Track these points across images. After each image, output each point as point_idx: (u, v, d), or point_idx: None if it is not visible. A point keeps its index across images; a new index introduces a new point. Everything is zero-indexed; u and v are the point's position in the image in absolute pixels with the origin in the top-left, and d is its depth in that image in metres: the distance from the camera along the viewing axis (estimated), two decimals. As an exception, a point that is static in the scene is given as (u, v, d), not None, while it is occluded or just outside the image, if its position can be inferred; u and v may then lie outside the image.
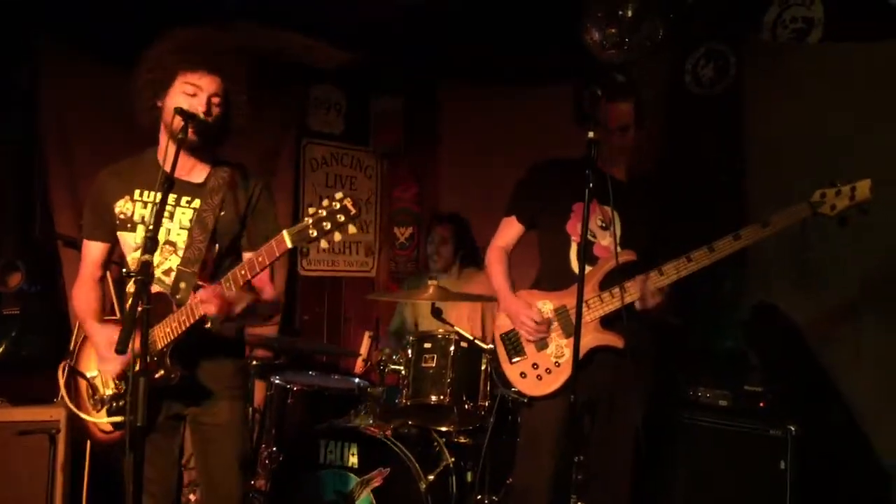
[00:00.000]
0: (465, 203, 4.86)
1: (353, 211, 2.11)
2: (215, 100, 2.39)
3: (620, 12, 3.83)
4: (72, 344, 3.65)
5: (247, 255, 2.50)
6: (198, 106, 2.34)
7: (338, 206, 2.10)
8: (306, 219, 2.12)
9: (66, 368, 2.58)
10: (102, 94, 4.06)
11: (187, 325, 2.29)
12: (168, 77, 2.36)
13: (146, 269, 1.90)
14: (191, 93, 2.35)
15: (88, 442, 3.39)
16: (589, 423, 3.07)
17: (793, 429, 3.18)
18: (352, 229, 2.12)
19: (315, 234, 2.10)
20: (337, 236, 2.12)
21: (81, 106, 4.05)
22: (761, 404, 3.36)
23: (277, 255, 2.18)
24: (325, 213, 2.10)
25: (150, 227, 1.98)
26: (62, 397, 2.63)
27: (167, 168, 2.22)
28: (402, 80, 5.43)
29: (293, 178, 5.15)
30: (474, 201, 4.83)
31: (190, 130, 2.28)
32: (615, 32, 3.90)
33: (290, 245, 2.14)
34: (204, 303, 2.22)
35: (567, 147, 3.02)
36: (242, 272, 2.25)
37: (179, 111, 2.27)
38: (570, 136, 2.99)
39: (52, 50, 3.93)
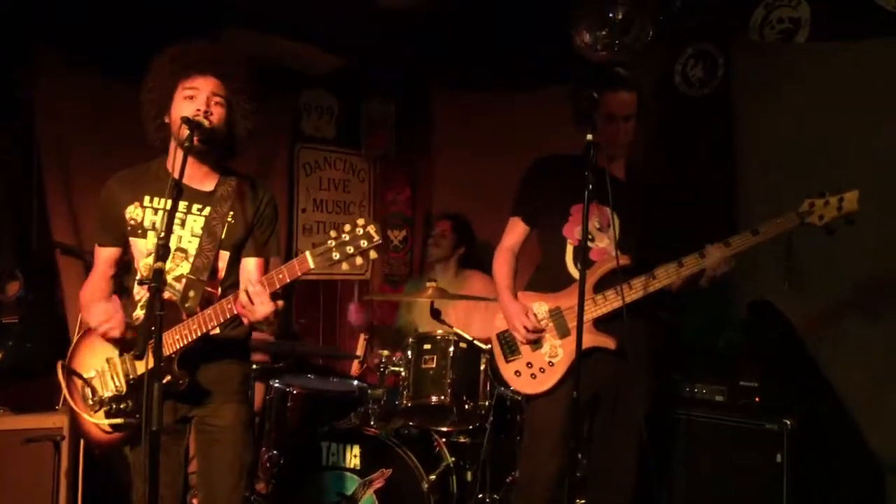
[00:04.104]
0: (457, 205, 4.85)
1: (377, 238, 2.17)
2: (216, 99, 2.40)
3: (611, 14, 3.88)
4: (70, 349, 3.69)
5: (247, 261, 2.55)
6: (198, 106, 2.35)
7: (361, 231, 2.17)
8: (330, 241, 2.17)
9: (64, 367, 2.55)
10: (98, 104, 4.10)
11: (201, 332, 2.33)
12: (169, 91, 2.40)
13: (159, 276, 1.93)
14: (190, 96, 2.38)
15: (82, 443, 3.40)
16: (589, 422, 3.11)
17: (788, 422, 3.22)
18: (373, 255, 2.20)
19: (337, 256, 2.17)
20: (359, 260, 2.19)
21: (77, 116, 4.06)
22: (756, 399, 3.39)
23: (299, 273, 2.23)
24: (348, 238, 2.17)
25: (162, 234, 2.00)
26: (64, 399, 2.63)
27: (176, 176, 2.24)
28: (392, 83, 5.45)
29: (287, 183, 5.17)
30: (467, 203, 4.83)
31: (196, 138, 2.29)
32: (606, 34, 3.95)
33: (312, 266, 2.19)
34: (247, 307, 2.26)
35: (560, 149, 3.06)
36: (260, 287, 2.26)
37: (185, 120, 2.29)
38: (563, 138, 3.01)
39: (47, 61, 3.93)
